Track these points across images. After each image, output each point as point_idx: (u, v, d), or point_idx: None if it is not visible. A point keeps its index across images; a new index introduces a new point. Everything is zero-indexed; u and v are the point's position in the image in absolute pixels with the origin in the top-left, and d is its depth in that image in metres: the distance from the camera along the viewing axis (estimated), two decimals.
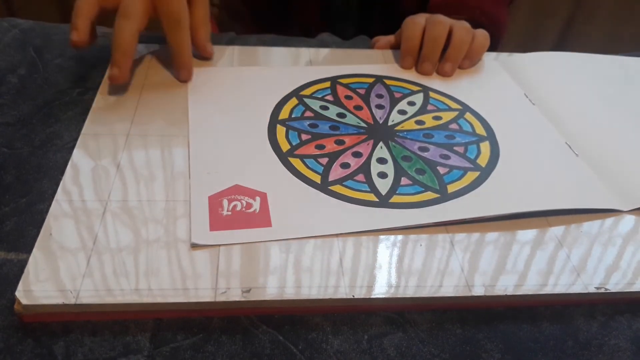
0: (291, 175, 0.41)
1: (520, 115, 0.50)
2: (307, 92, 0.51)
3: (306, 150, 0.44)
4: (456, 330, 0.33)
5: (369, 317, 0.34)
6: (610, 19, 1.35)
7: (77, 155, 0.41)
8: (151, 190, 0.39)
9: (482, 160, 0.44)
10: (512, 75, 0.55)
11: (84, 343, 0.31)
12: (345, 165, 0.42)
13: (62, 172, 0.40)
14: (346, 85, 0.52)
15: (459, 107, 0.51)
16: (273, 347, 0.31)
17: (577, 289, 0.35)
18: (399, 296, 0.33)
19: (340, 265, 0.35)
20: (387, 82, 0.53)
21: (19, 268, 0.33)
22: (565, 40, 1.40)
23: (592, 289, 0.35)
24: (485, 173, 0.43)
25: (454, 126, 0.48)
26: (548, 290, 0.35)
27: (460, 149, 0.45)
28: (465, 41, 0.54)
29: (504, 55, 0.59)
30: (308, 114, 0.48)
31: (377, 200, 0.39)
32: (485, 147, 0.46)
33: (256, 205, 0.38)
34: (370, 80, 0.53)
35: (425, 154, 0.44)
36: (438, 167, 0.43)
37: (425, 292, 0.34)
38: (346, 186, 0.40)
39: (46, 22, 0.59)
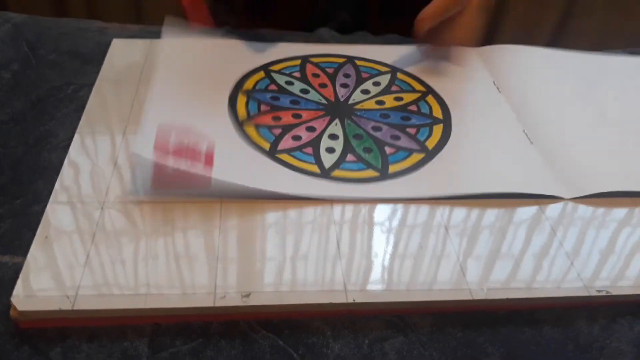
0: (241, 140, 0.42)
1: (483, 101, 0.50)
2: (276, 67, 0.52)
3: (262, 120, 0.45)
4: (457, 334, 0.33)
5: (369, 320, 0.33)
6: (606, 14, 1.35)
7: (73, 155, 0.40)
8: None
9: (431, 143, 0.45)
10: (486, 64, 0.55)
11: (81, 349, 0.30)
12: (296, 138, 0.44)
13: (58, 172, 0.39)
14: (316, 64, 0.53)
15: (423, 89, 0.51)
16: (273, 352, 0.31)
17: (579, 292, 0.35)
18: (400, 300, 0.33)
19: (340, 268, 0.34)
20: (358, 62, 0.54)
21: (14, 272, 0.33)
22: (561, 33, 1.39)
23: (594, 292, 0.35)
24: (430, 155, 0.43)
25: (412, 107, 0.49)
26: (545, 290, 0.34)
27: (412, 131, 0.46)
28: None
29: (484, 48, 0.58)
30: (272, 87, 0.49)
31: (319, 172, 0.41)
32: (437, 129, 0.46)
33: (200, 165, 0.39)
34: (341, 60, 0.54)
35: (377, 134, 0.45)
36: (386, 147, 0.44)
37: (427, 296, 0.33)
38: (293, 156, 0.42)
39: (39, 16, 0.58)
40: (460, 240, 0.37)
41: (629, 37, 1.33)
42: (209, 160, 0.39)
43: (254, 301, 0.32)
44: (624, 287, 0.35)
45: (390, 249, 0.36)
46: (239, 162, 0.40)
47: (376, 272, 0.34)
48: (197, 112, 0.44)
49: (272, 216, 0.37)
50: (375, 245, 0.36)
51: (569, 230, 0.39)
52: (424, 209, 0.39)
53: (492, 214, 0.39)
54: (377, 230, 0.37)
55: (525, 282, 0.35)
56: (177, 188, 0.38)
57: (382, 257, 0.35)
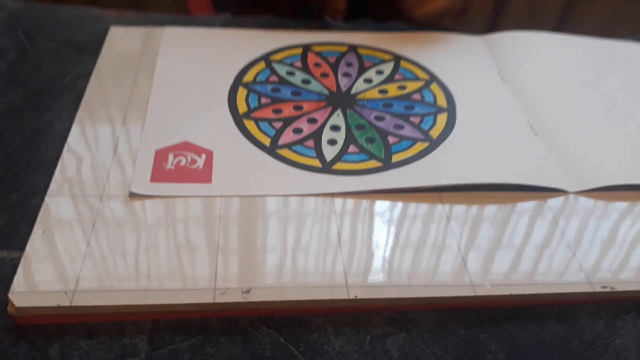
0: (242, 136, 0.42)
1: (487, 91, 0.49)
2: (276, 57, 0.51)
3: (263, 113, 0.44)
4: (460, 330, 0.33)
5: (371, 317, 0.33)
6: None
7: (70, 147, 0.40)
8: None
9: (435, 132, 0.44)
10: (490, 52, 0.54)
11: (80, 346, 0.30)
12: (297, 131, 0.43)
13: (55, 165, 0.38)
14: (318, 53, 0.52)
15: (426, 77, 0.50)
16: (274, 349, 0.31)
17: (584, 288, 0.34)
18: (402, 296, 0.33)
19: (342, 264, 0.34)
20: (360, 50, 0.53)
21: (12, 267, 0.32)
22: (566, 19, 1.38)
23: (598, 288, 0.34)
24: (434, 144, 0.43)
25: (416, 96, 0.48)
26: (553, 288, 0.34)
27: (416, 120, 0.45)
28: None
29: (488, 36, 0.57)
30: (273, 78, 0.48)
31: (321, 166, 0.40)
32: (442, 118, 0.46)
33: (200, 162, 0.39)
34: (344, 48, 0.53)
35: (379, 124, 0.44)
36: (389, 137, 0.43)
37: (429, 292, 0.33)
38: (294, 151, 0.41)
39: (37, 2, 0.57)
40: (463, 234, 0.36)
41: (636, 23, 1.32)
42: (209, 160, 0.39)
43: (254, 297, 0.32)
44: (629, 282, 0.35)
45: (392, 243, 0.36)
46: (239, 159, 0.40)
47: (378, 268, 0.34)
48: (197, 108, 0.44)
49: (273, 209, 0.37)
50: (378, 239, 0.36)
51: (572, 223, 0.38)
52: (426, 201, 0.38)
53: (494, 208, 0.39)
54: (378, 223, 0.37)
55: (529, 277, 0.34)
56: (176, 183, 0.37)
57: (384, 251, 0.35)
